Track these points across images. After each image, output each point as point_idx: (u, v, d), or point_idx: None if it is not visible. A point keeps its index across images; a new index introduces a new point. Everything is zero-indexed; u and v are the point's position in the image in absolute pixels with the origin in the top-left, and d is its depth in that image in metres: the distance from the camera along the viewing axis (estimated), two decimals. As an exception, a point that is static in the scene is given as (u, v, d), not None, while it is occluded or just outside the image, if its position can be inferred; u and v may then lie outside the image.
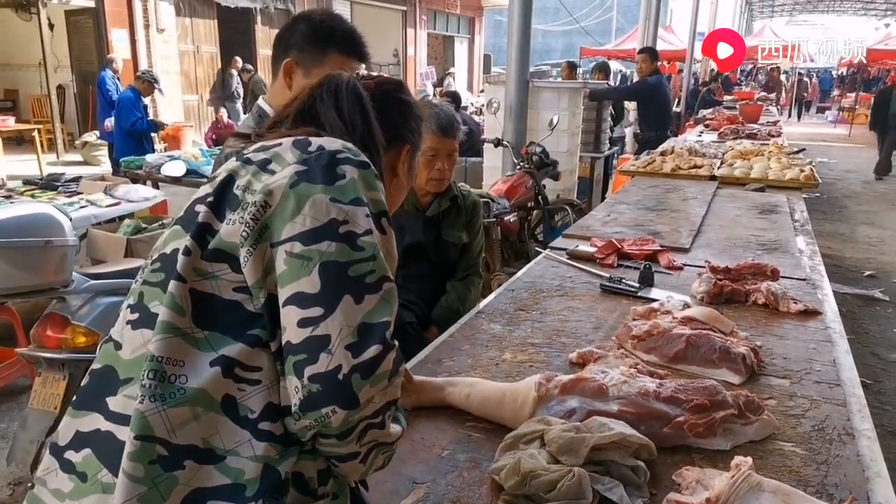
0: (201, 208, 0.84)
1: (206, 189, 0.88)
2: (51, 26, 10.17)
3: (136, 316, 0.83)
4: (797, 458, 1.23)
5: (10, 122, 8.99)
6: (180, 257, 0.80)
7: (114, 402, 0.79)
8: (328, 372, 0.72)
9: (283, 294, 0.76)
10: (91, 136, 9.76)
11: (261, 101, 1.62)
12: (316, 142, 0.87)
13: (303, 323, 0.74)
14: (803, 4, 32.22)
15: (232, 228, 0.80)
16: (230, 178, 0.86)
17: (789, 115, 20.70)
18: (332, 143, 0.88)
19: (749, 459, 1.10)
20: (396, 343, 0.77)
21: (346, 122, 0.96)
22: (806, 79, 23.30)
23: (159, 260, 0.85)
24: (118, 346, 0.83)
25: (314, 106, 0.98)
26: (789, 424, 1.35)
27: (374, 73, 1.08)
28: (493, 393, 1.36)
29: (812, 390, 1.50)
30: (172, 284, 0.79)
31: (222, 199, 0.84)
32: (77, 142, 10.28)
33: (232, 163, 0.89)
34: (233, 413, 0.76)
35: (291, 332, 0.74)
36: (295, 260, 0.76)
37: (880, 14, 32.91)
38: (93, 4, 10.19)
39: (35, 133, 8.91)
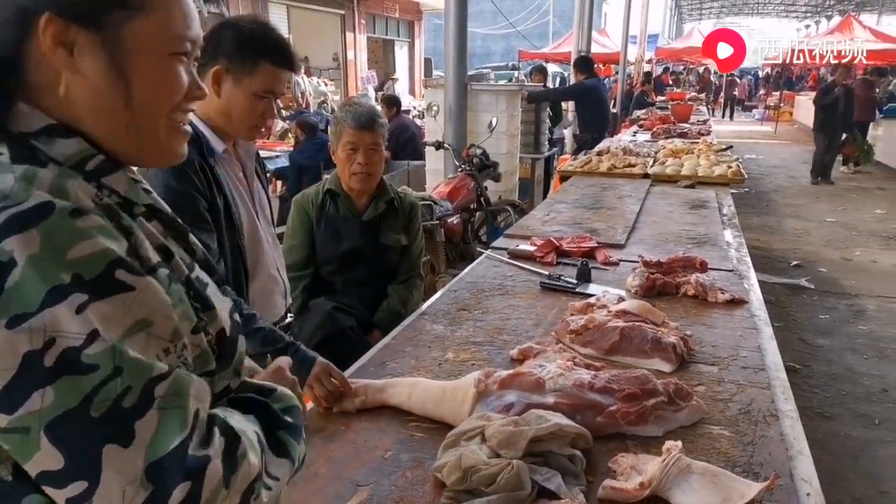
0: None
1: None
2: None
3: None
4: (725, 440, 1.29)
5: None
6: None
7: None
8: None
9: (29, 471, 0.57)
10: None
11: None
12: None
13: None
14: (729, 7, 33.64)
15: None
16: None
17: (722, 115, 21.22)
18: None
19: (679, 443, 1.15)
20: (216, 443, 0.62)
21: None
22: (737, 79, 24.22)
23: None
24: None
25: None
26: (718, 409, 1.41)
27: None
28: (434, 391, 1.38)
29: (739, 375, 1.57)
30: None
31: None
32: None
33: None
34: None
35: None
36: (11, 436, 0.55)
37: (801, 16, 34.68)
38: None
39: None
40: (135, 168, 0.80)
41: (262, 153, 4.26)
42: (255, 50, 1.50)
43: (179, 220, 0.80)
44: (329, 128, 2.19)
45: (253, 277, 1.64)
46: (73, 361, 0.55)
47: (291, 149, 6.90)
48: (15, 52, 0.65)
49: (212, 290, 0.78)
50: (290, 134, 8.42)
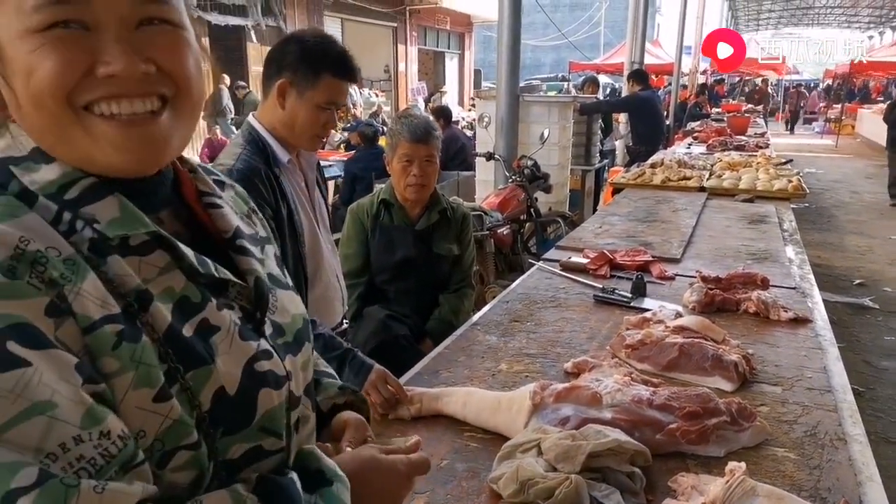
0: None
1: None
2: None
3: None
4: (790, 463, 1.25)
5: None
6: None
7: None
8: None
9: None
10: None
11: (251, 118, 1.64)
12: None
13: None
14: (788, 17, 32.74)
15: None
16: None
17: (786, 127, 20.35)
18: None
19: (743, 465, 1.12)
20: None
21: None
22: (804, 90, 23.22)
23: None
24: None
25: None
26: (782, 430, 1.37)
27: None
28: (489, 402, 1.37)
29: (803, 397, 1.52)
30: None
31: None
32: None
33: None
34: None
35: None
36: None
37: (864, 27, 33.48)
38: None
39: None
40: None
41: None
42: (317, 63, 1.54)
43: (188, 254, 0.66)
44: (385, 139, 2.23)
45: (313, 285, 1.67)
46: None
47: (345, 158, 7.01)
48: None
49: (219, 338, 0.65)
50: (342, 144, 8.57)
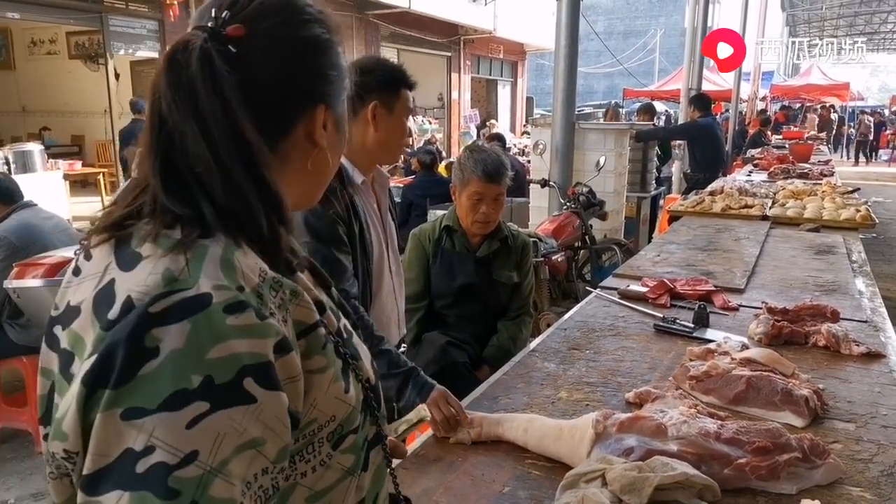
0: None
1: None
2: (117, 76, 10.75)
3: None
4: (865, 502, 1.21)
5: (77, 166, 9.48)
6: None
7: None
8: None
9: None
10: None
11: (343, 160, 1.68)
12: (120, 287, 0.58)
13: None
14: (851, 42, 31.75)
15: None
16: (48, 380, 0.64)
17: (850, 157, 18.89)
18: (140, 277, 0.58)
19: (817, 503, 1.09)
20: None
21: (212, 143, 0.61)
22: (870, 119, 21.05)
23: None
24: None
25: (168, 134, 0.63)
26: (856, 469, 1.32)
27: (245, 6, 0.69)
28: (551, 429, 1.37)
29: (879, 434, 1.46)
30: None
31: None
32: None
33: (44, 350, 0.64)
34: None
35: None
36: None
37: (933, 51, 32.15)
38: (156, 55, 10.77)
39: (99, 176, 9.38)
40: None
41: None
42: (394, 81, 1.68)
43: (323, 272, 0.80)
44: (453, 172, 2.29)
45: (374, 302, 1.72)
46: (158, 479, 0.51)
47: (402, 185, 7.12)
48: None
49: (356, 340, 0.78)
50: (399, 168, 8.71)
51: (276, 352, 0.59)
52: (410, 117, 1.78)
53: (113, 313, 0.56)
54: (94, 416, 0.53)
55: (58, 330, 0.62)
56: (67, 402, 0.55)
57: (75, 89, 11.92)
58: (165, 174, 0.62)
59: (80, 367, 0.56)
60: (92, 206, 9.36)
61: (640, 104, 10.39)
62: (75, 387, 0.54)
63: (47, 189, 7.65)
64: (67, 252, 3.08)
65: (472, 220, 2.17)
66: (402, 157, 2.01)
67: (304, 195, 0.78)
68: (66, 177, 8.56)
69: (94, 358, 0.54)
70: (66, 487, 0.60)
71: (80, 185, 10.72)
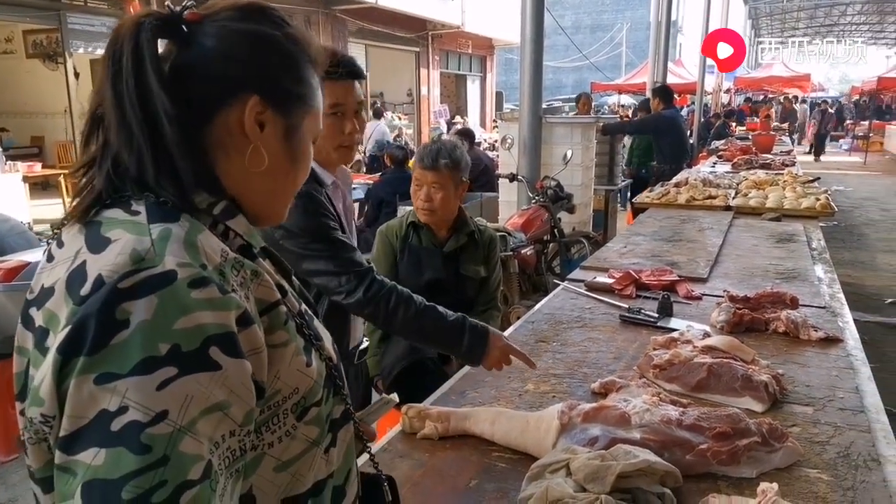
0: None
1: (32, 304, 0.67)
2: (76, 75, 10.51)
3: None
4: (823, 484, 1.24)
5: (36, 168, 9.22)
6: None
7: None
8: None
9: None
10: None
11: None
12: (91, 267, 0.62)
13: None
14: (812, 35, 32.48)
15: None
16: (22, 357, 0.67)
17: (809, 151, 18.34)
18: (108, 258, 0.61)
19: (775, 486, 1.12)
20: None
21: (125, 125, 0.67)
22: (830, 108, 21.06)
23: None
24: None
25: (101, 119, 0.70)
26: (814, 451, 1.35)
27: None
28: (517, 422, 1.38)
29: (836, 417, 1.50)
30: None
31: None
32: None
33: (19, 327, 0.68)
34: None
35: None
36: (61, 474, 0.56)
37: (890, 43, 33.09)
38: (117, 53, 10.54)
39: (60, 178, 9.14)
40: None
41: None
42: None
43: (283, 260, 0.84)
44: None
45: None
46: (132, 436, 0.55)
47: (370, 182, 7.08)
48: None
49: (316, 323, 0.82)
50: (363, 165, 8.65)
51: (239, 324, 0.63)
52: (370, 110, 1.74)
53: (85, 290, 0.60)
54: (68, 383, 0.56)
55: (33, 311, 0.66)
56: (43, 371, 0.58)
57: (34, 89, 11.60)
58: (106, 153, 0.69)
59: (55, 339, 0.59)
60: (53, 208, 9.12)
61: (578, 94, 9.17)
62: (51, 356, 0.58)
63: (6, 192, 7.45)
64: (25, 255, 3.00)
65: (417, 208, 2.19)
66: (355, 153, 1.89)
67: (261, 204, 0.78)
68: (25, 179, 8.32)
69: (67, 329, 0.58)
70: (44, 452, 0.62)
71: (40, 187, 10.45)
